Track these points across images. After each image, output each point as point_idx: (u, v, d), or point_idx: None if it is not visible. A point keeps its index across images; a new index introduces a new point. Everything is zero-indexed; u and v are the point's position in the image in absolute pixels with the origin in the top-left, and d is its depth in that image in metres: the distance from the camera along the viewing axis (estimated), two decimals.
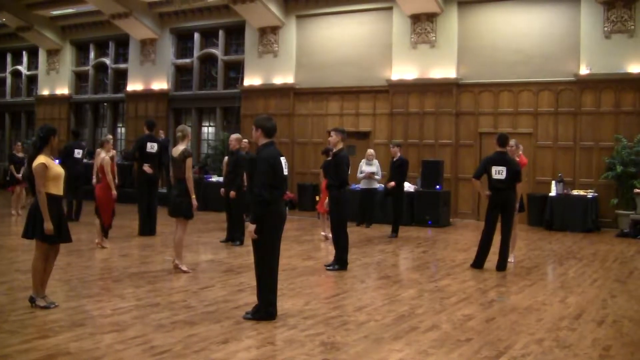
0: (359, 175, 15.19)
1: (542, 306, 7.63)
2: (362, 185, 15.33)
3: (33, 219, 6.90)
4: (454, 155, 17.43)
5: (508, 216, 10.07)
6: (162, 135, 18.59)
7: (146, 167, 12.96)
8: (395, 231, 13.85)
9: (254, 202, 6.56)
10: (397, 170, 13.93)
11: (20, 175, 15.88)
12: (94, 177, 12.71)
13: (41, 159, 6.85)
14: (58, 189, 6.98)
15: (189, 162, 9.26)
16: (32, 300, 6.96)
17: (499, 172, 9.92)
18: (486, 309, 7.43)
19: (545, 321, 6.92)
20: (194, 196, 9.30)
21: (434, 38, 17.68)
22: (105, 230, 11.43)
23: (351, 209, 16.13)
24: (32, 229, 6.91)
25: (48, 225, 6.78)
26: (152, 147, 13.14)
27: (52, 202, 6.86)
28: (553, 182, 15.77)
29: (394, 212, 14.08)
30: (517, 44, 16.78)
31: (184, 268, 9.33)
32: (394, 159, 14.08)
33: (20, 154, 16.63)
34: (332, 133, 10.13)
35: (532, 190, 16.15)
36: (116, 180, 14.72)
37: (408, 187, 16.28)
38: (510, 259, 10.48)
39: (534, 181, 16.45)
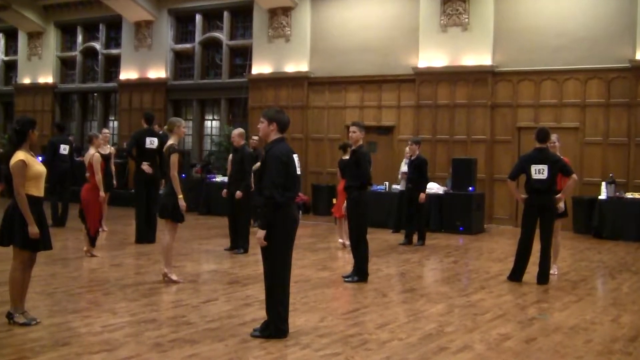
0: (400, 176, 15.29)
1: (590, 326, 7.58)
2: (401, 186, 15.36)
3: (9, 224, 6.86)
4: (488, 153, 17.38)
5: (548, 221, 10.01)
6: (158, 129, 18.63)
7: (145, 166, 12.96)
8: (422, 238, 13.82)
9: (265, 206, 6.56)
10: (415, 171, 13.88)
11: None
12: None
13: (20, 155, 6.80)
14: (39, 190, 6.96)
15: (174, 158, 9.32)
16: (10, 316, 6.96)
17: (539, 172, 9.85)
18: (525, 328, 7.39)
19: (594, 343, 6.87)
20: (180, 196, 9.32)
21: (466, 20, 17.64)
22: (91, 239, 11.39)
23: (387, 214, 16.31)
24: (9, 235, 6.88)
25: (33, 229, 6.74)
26: (151, 142, 13.12)
27: (32, 204, 6.82)
28: (603, 184, 15.66)
29: (417, 219, 14.02)
30: (562, 26, 16.69)
31: (174, 277, 9.37)
32: (412, 158, 14.04)
33: None
34: (355, 128, 10.12)
35: (579, 193, 16.05)
36: (114, 181, 14.77)
37: (437, 188, 16.27)
38: (553, 271, 10.43)
39: (580, 183, 16.31)
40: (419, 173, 13.85)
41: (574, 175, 9.95)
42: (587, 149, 16.48)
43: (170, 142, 9.48)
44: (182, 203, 9.32)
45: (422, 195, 13.73)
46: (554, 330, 7.32)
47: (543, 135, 10.03)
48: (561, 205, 10.42)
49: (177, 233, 9.71)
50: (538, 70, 16.95)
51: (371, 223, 15.23)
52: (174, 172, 9.32)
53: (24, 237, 6.80)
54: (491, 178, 17.37)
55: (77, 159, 16.83)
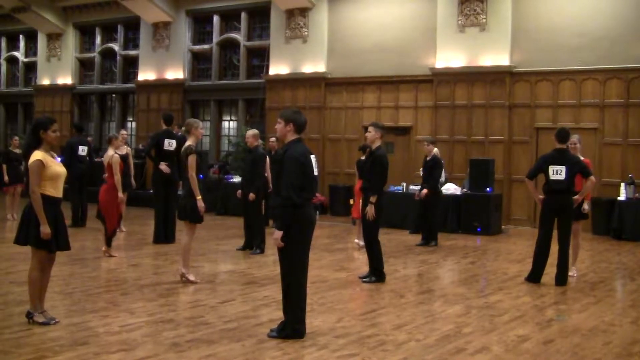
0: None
1: (609, 327, 7.54)
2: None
3: (27, 223, 6.90)
4: (506, 154, 17.31)
5: (566, 222, 9.96)
6: (176, 130, 18.70)
7: (163, 166, 13.01)
8: (434, 239, 13.78)
9: (282, 206, 6.57)
10: (429, 171, 13.85)
11: (6, 177, 16.06)
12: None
13: (37, 155, 6.83)
14: (56, 190, 6.98)
15: (192, 159, 9.39)
16: (29, 315, 7.01)
17: (557, 172, 9.79)
18: (543, 330, 7.36)
19: (613, 345, 6.83)
20: (199, 197, 9.38)
21: (484, 20, 17.58)
22: (108, 239, 11.46)
23: (404, 215, 16.25)
24: (26, 235, 6.91)
25: (44, 229, 6.76)
26: (169, 144, 13.19)
27: (48, 204, 6.85)
28: (622, 185, 15.57)
29: (429, 220, 13.97)
30: (581, 26, 16.60)
31: (191, 278, 9.42)
32: (427, 159, 14.02)
33: (17, 150, 16.79)
34: (370, 128, 10.12)
35: (598, 194, 15.95)
36: (133, 182, 14.86)
37: (454, 189, 16.23)
38: (572, 273, 10.38)
39: (599, 183, 16.23)
40: (433, 174, 13.82)
41: (592, 178, 9.89)
42: (606, 150, 16.38)
43: (187, 143, 9.54)
44: (200, 204, 9.37)
45: (425, 192, 13.71)
46: (572, 332, 7.29)
47: (563, 135, 9.96)
48: (586, 207, 10.40)
49: (195, 234, 9.75)
50: (557, 71, 16.85)
51: (388, 224, 15.44)
52: (192, 173, 9.37)
53: (38, 237, 6.83)
54: (509, 179, 17.30)
55: (95, 159, 16.92)
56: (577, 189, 10.00)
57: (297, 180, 6.54)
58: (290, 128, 6.78)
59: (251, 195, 12.09)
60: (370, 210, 9.76)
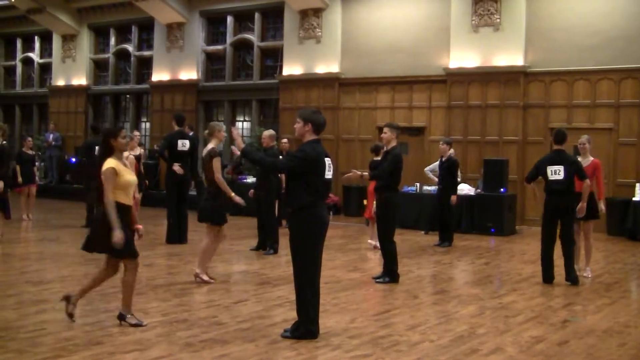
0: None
1: (624, 329, 7.51)
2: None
3: (99, 231, 6.95)
4: (520, 154, 17.26)
5: (567, 222, 9.99)
6: (187, 130, 18.74)
7: (176, 167, 13.04)
8: (449, 240, 13.76)
9: (261, 160, 7.07)
10: (446, 172, 13.84)
11: (20, 178, 16.03)
12: None
13: (110, 163, 6.94)
14: (128, 198, 7.06)
15: (216, 162, 9.50)
16: (121, 317, 7.08)
17: (555, 172, 9.83)
18: (558, 331, 7.34)
19: (629, 347, 6.80)
20: (232, 194, 9.59)
21: (498, 20, 17.53)
22: None
23: (418, 215, 16.25)
24: (96, 242, 7.00)
25: (118, 234, 6.76)
26: (183, 144, 13.22)
27: (120, 211, 6.92)
28: (637, 185, 15.49)
29: (445, 220, 13.94)
30: (596, 25, 16.52)
31: (205, 277, 9.45)
32: (443, 159, 14.00)
33: (31, 151, 16.81)
34: (386, 129, 10.13)
35: (612, 194, 15.88)
36: (146, 182, 14.92)
37: (468, 190, 16.20)
38: (587, 274, 10.36)
39: (614, 184, 16.18)
40: (449, 174, 13.82)
41: (588, 181, 9.94)
42: (621, 150, 16.29)
43: (210, 146, 9.61)
44: (238, 199, 9.65)
45: (454, 198, 13.69)
46: (587, 333, 7.26)
47: (560, 136, 10.05)
48: (602, 207, 10.43)
49: (218, 236, 9.75)
50: (571, 71, 16.78)
51: (402, 224, 15.41)
52: (217, 176, 9.53)
53: (127, 245, 6.92)
54: (523, 179, 17.13)
55: None
56: (577, 190, 9.98)
57: (288, 163, 6.84)
58: (308, 128, 6.79)
59: (251, 192, 12.47)
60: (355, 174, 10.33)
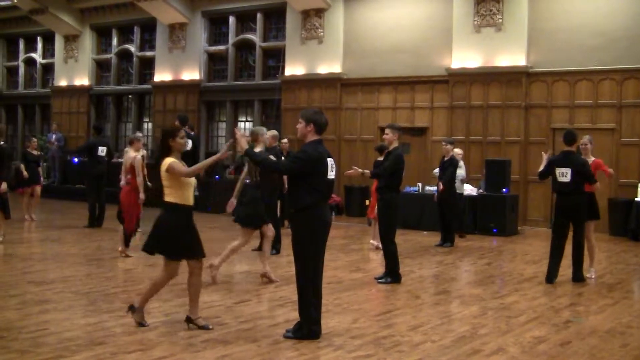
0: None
1: (627, 329, 7.50)
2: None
3: (161, 233, 6.93)
4: (522, 154, 17.24)
5: (577, 222, 10.01)
6: (188, 130, 18.72)
7: None
8: (451, 240, 13.76)
9: (263, 160, 7.16)
10: (447, 171, 13.84)
11: (25, 173, 15.94)
12: (123, 177, 12.27)
13: (168, 160, 6.89)
14: (188, 199, 6.99)
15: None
16: (132, 308, 7.06)
17: (563, 175, 9.86)
18: (560, 331, 7.33)
19: (631, 347, 6.79)
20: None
21: (500, 20, 17.52)
22: (127, 238, 11.53)
23: (420, 216, 16.24)
24: (158, 244, 6.96)
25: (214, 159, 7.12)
26: (187, 144, 13.23)
27: (181, 212, 6.90)
28: (639, 185, 15.49)
29: (447, 220, 13.94)
30: (598, 26, 16.49)
31: (212, 274, 9.46)
32: (445, 158, 14.01)
33: (35, 152, 16.76)
34: (388, 130, 10.13)
35: (615, 195, 15.87)
36: (149, 183, 14.93)
37: (470, 190, 16.18)
38: (590, 274, 10.34)
39: (616, 184, 16.15)
40: (450, 173, 13.82)
41: (597, 184, 10.00)
42: (623, 150, 16.27)
43: (256, 150, 9.58)
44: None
45: (440, 187, 13.77)
46: (589, 333, 7.25)
47: (570, 137, 10.04)
48: (611, 170, 10.68)
49: (249, 237, 9.84)
50: (573, 71, 16.76)
51: (404, 224, 15.40)
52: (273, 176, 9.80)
53: (170, 249, 6.90)
54: (525, 179, 17.22)
55: (118, 160, 16.93)
56: (586, 190, 9.98)
57: (290, 164, 6.83)
58: (310, 128, 6.80)
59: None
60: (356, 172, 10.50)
